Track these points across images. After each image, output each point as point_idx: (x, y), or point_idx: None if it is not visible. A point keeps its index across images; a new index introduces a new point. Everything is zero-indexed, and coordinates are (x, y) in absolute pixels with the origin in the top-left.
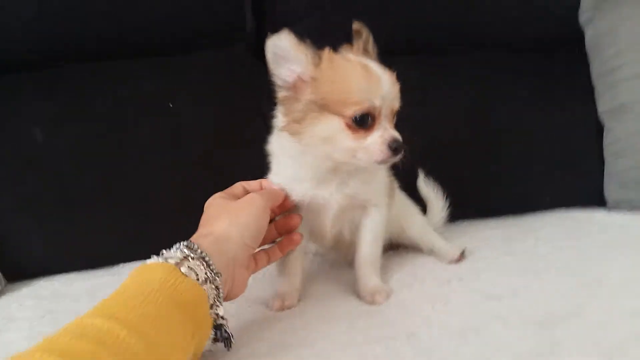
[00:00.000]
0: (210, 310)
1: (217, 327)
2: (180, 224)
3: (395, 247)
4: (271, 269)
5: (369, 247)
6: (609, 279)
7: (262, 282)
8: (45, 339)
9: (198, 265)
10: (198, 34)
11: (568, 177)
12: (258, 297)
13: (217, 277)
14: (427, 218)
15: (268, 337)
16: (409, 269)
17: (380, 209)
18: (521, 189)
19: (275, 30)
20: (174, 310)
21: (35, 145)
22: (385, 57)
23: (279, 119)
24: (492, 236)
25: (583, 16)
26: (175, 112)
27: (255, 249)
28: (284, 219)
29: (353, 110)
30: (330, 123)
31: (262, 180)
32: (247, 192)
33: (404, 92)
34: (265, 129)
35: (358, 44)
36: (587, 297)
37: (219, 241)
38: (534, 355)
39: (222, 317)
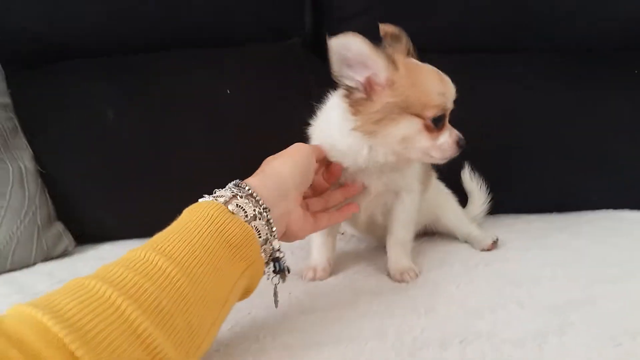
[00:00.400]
0: (265, 245)
1: (275, 260)
2: None
3: (431, 234)
4: (306, 244)
5: (400, 229)
6: (636, 273)
7: (298, 256)
8: (101, 267)
9: (246, 202)
10: (257, 28)
11: (619, 178)
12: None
13: (265, 213)
14: (468, 210)
15: (296, 301)
16: (440, 253)
17: (413, 194)
18: (566, 188)
19: (332, 26)
20: (222, 249)
21: (103, 123)
22: (430, 56)
23: (348, 118)
24: (529, 229)
25: None
26: (225, 99)
27: (305, 187)
28: (327, 169)
29: (433, 112)
30: (410, 124)
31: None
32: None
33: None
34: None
35: (400, 47)
36: (608, 287)
37: (269, 177)
38: (543, 334)
39: (278, 250)
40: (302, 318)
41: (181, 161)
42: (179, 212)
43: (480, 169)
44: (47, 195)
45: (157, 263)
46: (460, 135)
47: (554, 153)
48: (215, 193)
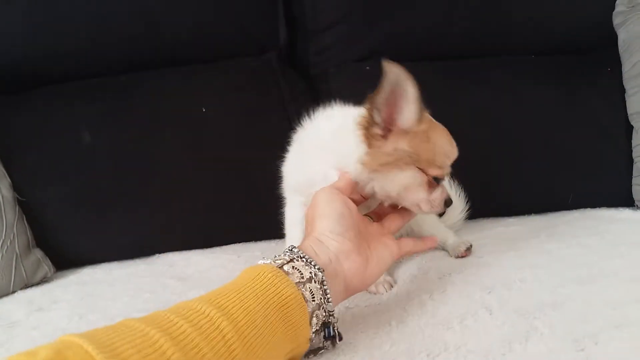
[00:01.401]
0: (318, 311)
1: (326, 325)
2: (208, 218)
3: None
4: None
5: None
6: (606, 274)
7: None
8: (153, 313)
9: (302, 265)
10: (231, 44)
11: (595, 177)
12: None
13: (320, 273)
14: (446, 217)
15: None
16: (415, 262)
17: None
18: (546, 188)
19: (307, 38)
20: (276, 316)
21: (81, 146)
22: (408, 64)
23: (360, 148)
24: (506, 232)
25: (617, 19)
26: (204, 115)
27: (351, 235)
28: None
29: (437, 172)
30: (415, 175)
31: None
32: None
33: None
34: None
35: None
36: (577, 289)
37: (318, 240)
38: (508, 342)
39: (332, 315)
40: None
41: (162, 182)
42: (162, 230)
43: (460, 174)
44: (26, 222)
45: (212, 317)
46: (450, 196)
47: (533, 155)
48: (275, 257)
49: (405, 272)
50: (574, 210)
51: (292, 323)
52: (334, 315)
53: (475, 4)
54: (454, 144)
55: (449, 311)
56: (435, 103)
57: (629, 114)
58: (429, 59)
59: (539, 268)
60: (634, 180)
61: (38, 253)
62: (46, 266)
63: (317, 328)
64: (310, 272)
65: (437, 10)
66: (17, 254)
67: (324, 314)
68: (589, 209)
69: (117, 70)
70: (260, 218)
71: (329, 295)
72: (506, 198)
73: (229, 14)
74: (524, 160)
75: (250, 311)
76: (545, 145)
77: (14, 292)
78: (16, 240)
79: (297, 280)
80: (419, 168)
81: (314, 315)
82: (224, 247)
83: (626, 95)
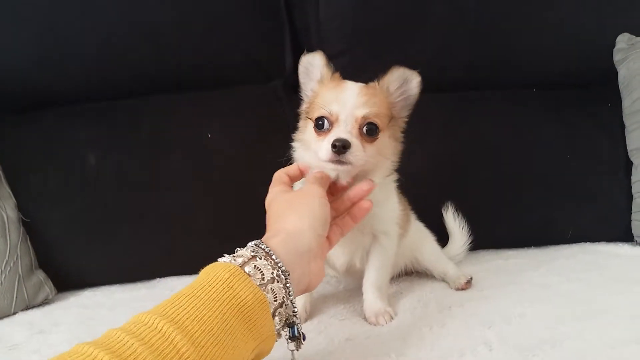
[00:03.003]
0: (280, 309)
1: (290, 325)
2: (211, 242)
3: (410, 273)
4: None
5: (376, 272)
6: (606, 311)
7: None
8: (107, 332)
9: (265, 264)
10: (237, 71)
11: (594, 212)
12: None
13: (284, 275)
14: (448, 249)
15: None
16: (416, 293)
17: (391, 237)
18: (546, 221)
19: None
20: (235, 319)
21: (85, 168)
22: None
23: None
24: (505, 266)
25: (617, 55)
26: (209, 141)
27: (327, 228)
28: (355, 188)
29: (315, 114)
30: (308, 127)
31: (297, 164)
32: (290, 177)
33: (429, 128)
34: None
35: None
36: (576, 326)
37: (292, 237)
38: None
39: (294, 315)
40: None
41: (166, 206)
42: (163, 254)
43: (460, 206)
44: (29, 243)
45: (165, 332)
46: (339, 137)
47: (533, 188)
48: (236, 252)
49: (405, 303)
50: (573, 244)
51: (253, 322)
52: (297, 315)
53: (475, 37)
54: (342, 85)
55: (449, 346)
56: (436, 134)
57: (628, 150)
58: (431, 91)
59: (538, 302)
60: (633, 216)
61: (40, 275)
62: (48, 288)
63: (280, 327)
64: (273, 273)
65: (438, 43)
66: (20, 275)
67: (286, 312)
68: (588, 243)
69: (124, 93)
70: None
71: (292, 296)
72: (506, 230)
73: (235, 41)
74: (524, 193)
75: (206, 320)
76: (544, 178)
77: (14, 313)
78: (19, 262)
79: (259, 283)
80: (310, 119)
81: (277, 313)
82: None
83: (626, 132)
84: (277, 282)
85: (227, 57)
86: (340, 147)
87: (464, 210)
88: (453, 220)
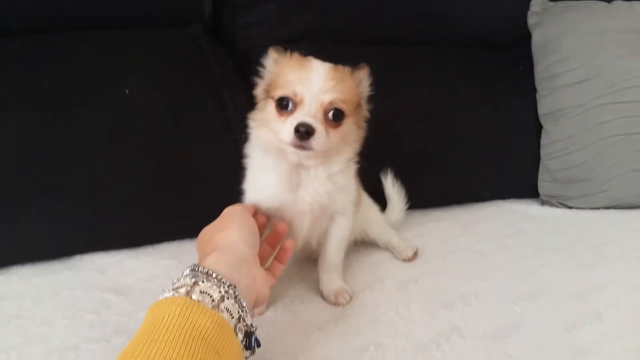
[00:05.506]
0: (239, 324)
1: (248, 335)
2: (135, 214)
3: (353, 243)
4: None
5: (334, 252)
6: (546, 287)
7: None
8: None
9: (209, 286)
10: (154, 14)
11: (507, 171)
12: None
13: (232, 290)
14: (387, 215)
15: None
16: (368, 267)
17: (348, 217)
18: (465, 181)
19: (234, 14)
20: (202, 350)
21: None
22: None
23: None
24: (437, 229)
25: (531, 19)
26: (127, 98)
27: (257, 246)
28: (271, 232)
29: (277, 93)
30: (268, 106)
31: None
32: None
33: None
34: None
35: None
36: (528, 307)
37: (225, 251)
38: None
39: (251, 325)
40: None
41: (82, 174)
42: (82, 231)
43: (391, 168)
44: None
45: None
46: (303, 122)
47: (458, 148)
48: (174, 284)
49: (361, 280)
50: (488, 203)
51: (221, 347)
52: (253, 324)
53: None
54: (307, 65)
55: (422, 335)
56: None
57: (539, 114)
58: (362, 44)
59: (485, 280)
60: (539, 176)
61: None
62: None
63: (242, 339)
64: (221, 291)
65: None
66: None
67: (245, 324)
68: (500, 200)
69: (5, 32)
70: (194, 213)
71: (245, 308)
72: (432, 191)
73: None
74: (449, 154)
75: None
76: (467, 138)
77: None
78: None
79: (211, 306)
80: (271, 99)
81: (237, 329)
82: (157, 247)
83: (538, 96)
84: (228, 299)
85: None
86: (304, 133)
87: (400, 174)
88: (392, 187)
